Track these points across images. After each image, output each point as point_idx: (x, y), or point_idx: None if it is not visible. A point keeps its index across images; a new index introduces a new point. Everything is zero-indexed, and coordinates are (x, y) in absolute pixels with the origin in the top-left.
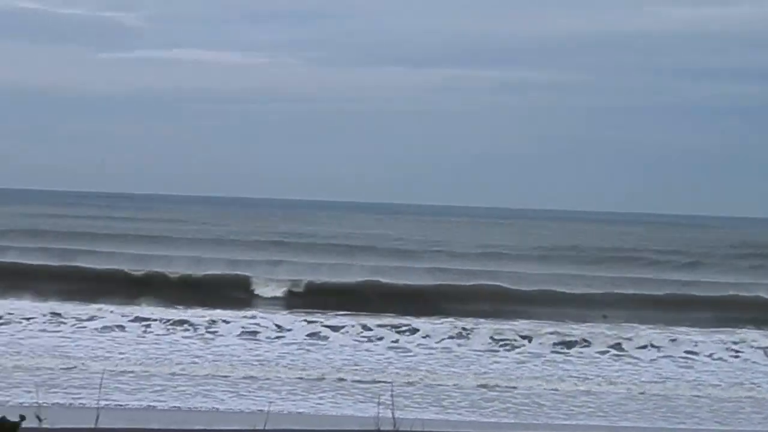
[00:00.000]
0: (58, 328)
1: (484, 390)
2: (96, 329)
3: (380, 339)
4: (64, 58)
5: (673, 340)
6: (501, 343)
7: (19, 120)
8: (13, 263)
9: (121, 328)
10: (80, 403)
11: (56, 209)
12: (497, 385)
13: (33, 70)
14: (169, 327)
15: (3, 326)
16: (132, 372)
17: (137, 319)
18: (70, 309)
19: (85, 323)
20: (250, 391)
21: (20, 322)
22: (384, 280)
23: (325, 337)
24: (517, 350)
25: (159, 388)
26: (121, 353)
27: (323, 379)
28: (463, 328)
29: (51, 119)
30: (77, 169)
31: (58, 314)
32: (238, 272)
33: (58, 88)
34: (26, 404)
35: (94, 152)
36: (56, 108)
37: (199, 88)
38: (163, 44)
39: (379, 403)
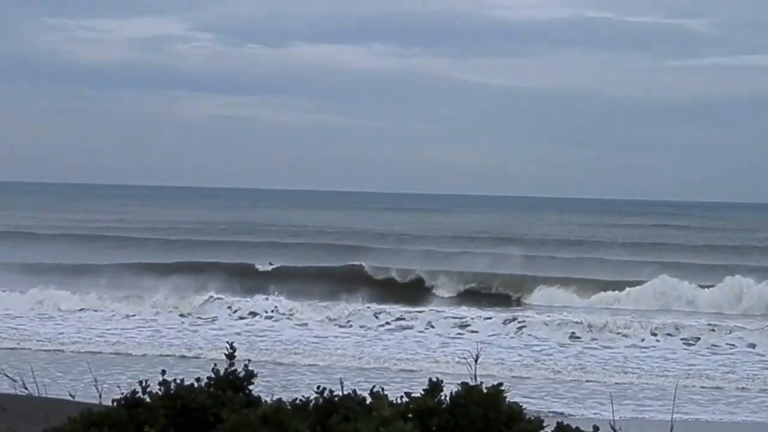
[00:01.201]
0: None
1: None
2: (655, 343)
3: None
4: (630, 66)
5: None
6: None
7: (589, 128)
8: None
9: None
10: (651, 417)
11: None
12: None
13: (596, 78)
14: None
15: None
16: (705, 385)
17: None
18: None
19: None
20: None
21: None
22: None
23: None
24: None
25: (734, 399)
26: (690, 364)
27: None
28: None
29: (619, 127)
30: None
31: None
32: None
33: (622, 97)
34: (599, 418)
35: (663, 159)
36: (622, 115)
37: None
38: (735, 51)
39: None
